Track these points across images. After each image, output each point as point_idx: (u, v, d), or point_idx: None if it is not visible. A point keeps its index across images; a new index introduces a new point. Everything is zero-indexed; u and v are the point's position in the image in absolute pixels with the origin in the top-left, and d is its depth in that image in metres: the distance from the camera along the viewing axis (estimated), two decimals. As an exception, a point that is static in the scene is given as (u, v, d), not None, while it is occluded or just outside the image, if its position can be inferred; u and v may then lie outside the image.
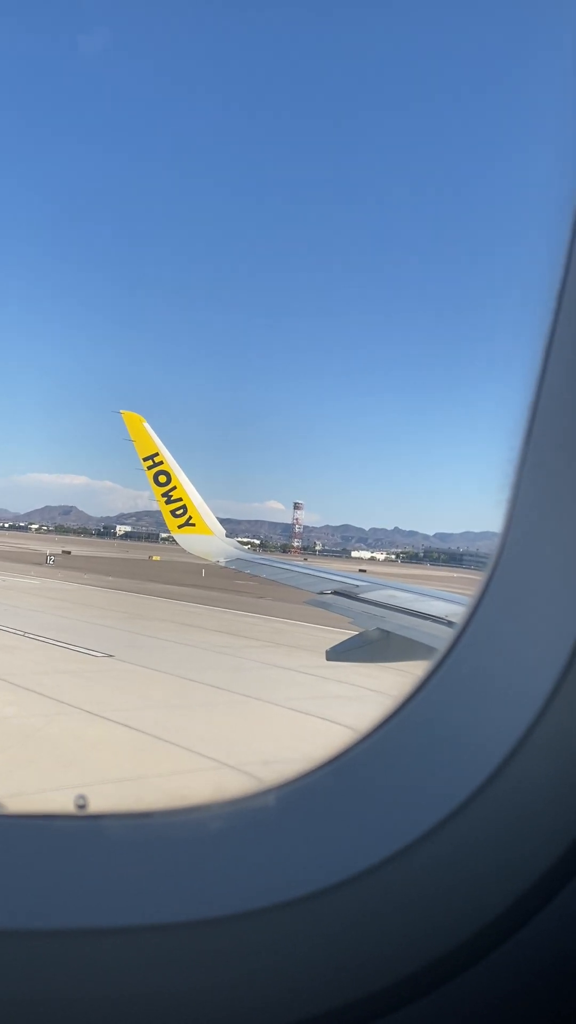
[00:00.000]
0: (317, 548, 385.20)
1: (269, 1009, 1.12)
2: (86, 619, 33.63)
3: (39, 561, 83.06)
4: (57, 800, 10.83)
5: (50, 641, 25.48)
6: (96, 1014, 1.09)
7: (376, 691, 21.59)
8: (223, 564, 13.29)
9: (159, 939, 1.11)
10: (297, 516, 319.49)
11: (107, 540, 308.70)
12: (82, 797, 1.45)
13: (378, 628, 8.01)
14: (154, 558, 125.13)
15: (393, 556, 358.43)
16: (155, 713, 16.88)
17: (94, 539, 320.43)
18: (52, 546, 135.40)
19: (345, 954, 1.13)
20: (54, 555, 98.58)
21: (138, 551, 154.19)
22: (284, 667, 24.49)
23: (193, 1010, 1.11)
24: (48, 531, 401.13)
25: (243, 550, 15.12)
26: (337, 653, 8.49)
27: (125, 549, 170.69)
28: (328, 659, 8.59)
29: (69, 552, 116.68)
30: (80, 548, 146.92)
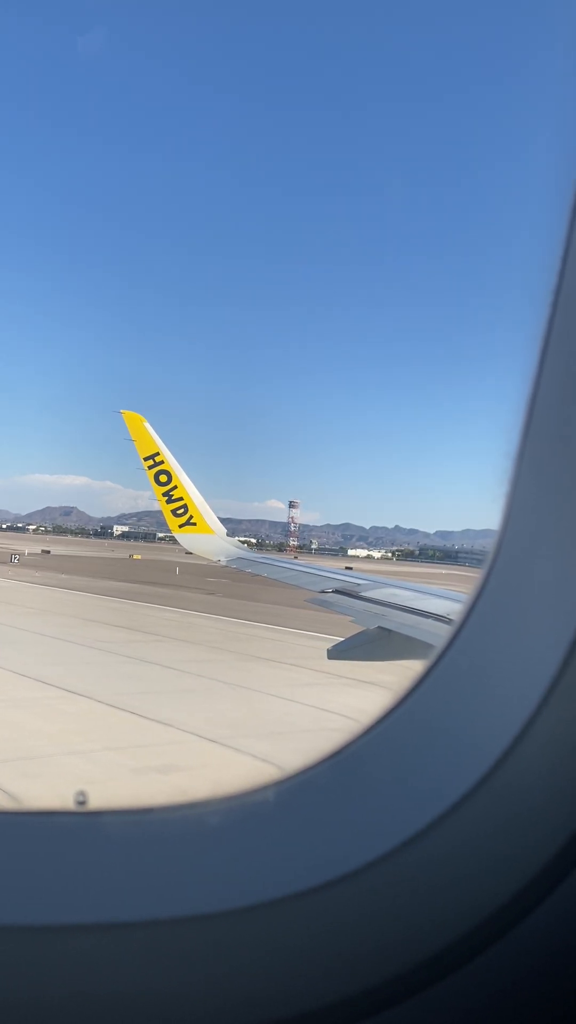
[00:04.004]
0: (313, 546, 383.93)
1: (269, 1004, 1.11)
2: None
3: (4, 560, 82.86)
4: None
5: None
6: (96, 1009, 1.08)
7: (230, 684, 21.03)
8: (224, 563, 13.20)
9: (158, 934, 1.11)
10: (293, 515, 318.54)
11: (103, 540, 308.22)
12: (82, 793, 1.43)
13: (379, 626, 7.96)
14: (135, 557, 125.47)
15: (389, 554, 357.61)
16: None
17: (90, 539, 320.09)
18: (38, 546, 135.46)
19: (344, 949, 1.13)
20: (32, 554, 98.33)
21: (125, 550, 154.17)
22: (151, 662, 23.85)
23: (193, 1005, 1.10)
24: (46, 531, 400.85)
25: (243, 549, 15.11)
26: (339, 652, 8.43)
27: (112, 548, 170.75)
28: (329, 658, 8.56)
29: (48, 551, 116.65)
30: (68, 548, 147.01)
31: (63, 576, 62.70)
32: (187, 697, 19.43)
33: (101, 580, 61.18)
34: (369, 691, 20.82)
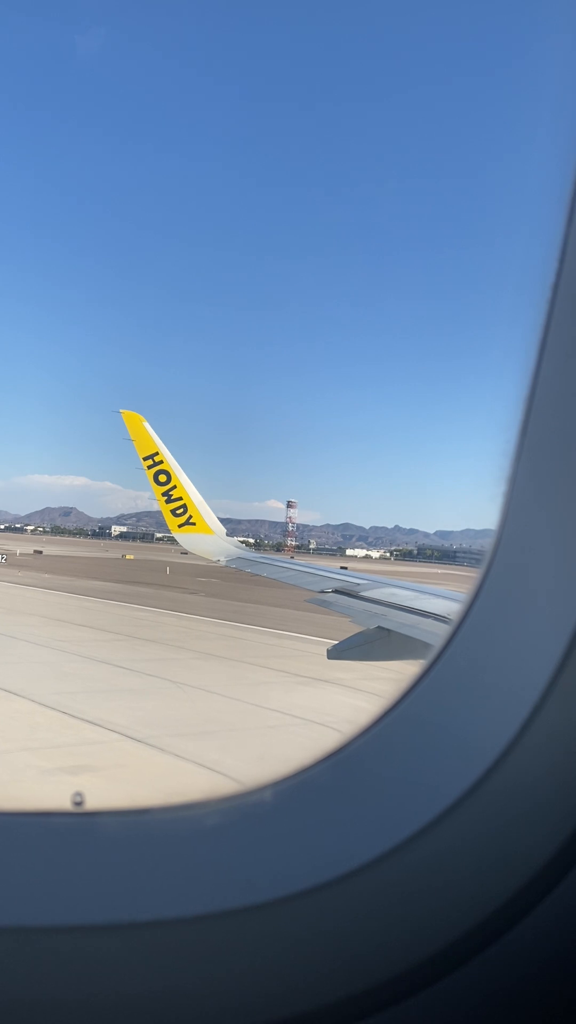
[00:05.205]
0: (312, 546, 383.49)
1: (268, 1004, 1.11)
2: None
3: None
4: None
5: None
6: (94, 1009, 1.08)
7: (178, 683, 20.73)
8: (223, 563, 13.13)
9: (157, 935, 1.10)
10: (291, 514, 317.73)
11: (101, 540, 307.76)
12: (79, 794, 1.42)
13: (378, 626, 7.95)
14: (128, 557, 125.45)
15: (388, 554, 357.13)
16: None
17: (88, 540, 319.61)
18: (33, 546, 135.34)
19: (344, 949, 1.12)
20: (24, 554, 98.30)
21: (120, 551, 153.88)
22: (103, 661, 23.48)
23: (191, 1005, 1.10)
24: (44, 532, 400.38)
25: (243, 549, 15.01)
26: (338, 651, 8.45)
27: (106, 549, 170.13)
28: (329, 658, 8.58)
29: (40, 552, 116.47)
30: (62, 548, 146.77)
31: (46, 576, 62.26)
32: (128, 696, 19.06)
33: (84, 580, 60.75)
34: (322, 689, 20.50)
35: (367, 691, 20.06)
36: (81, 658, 23.86)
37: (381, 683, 19.96)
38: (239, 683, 21.27)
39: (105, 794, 11.58)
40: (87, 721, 16.03)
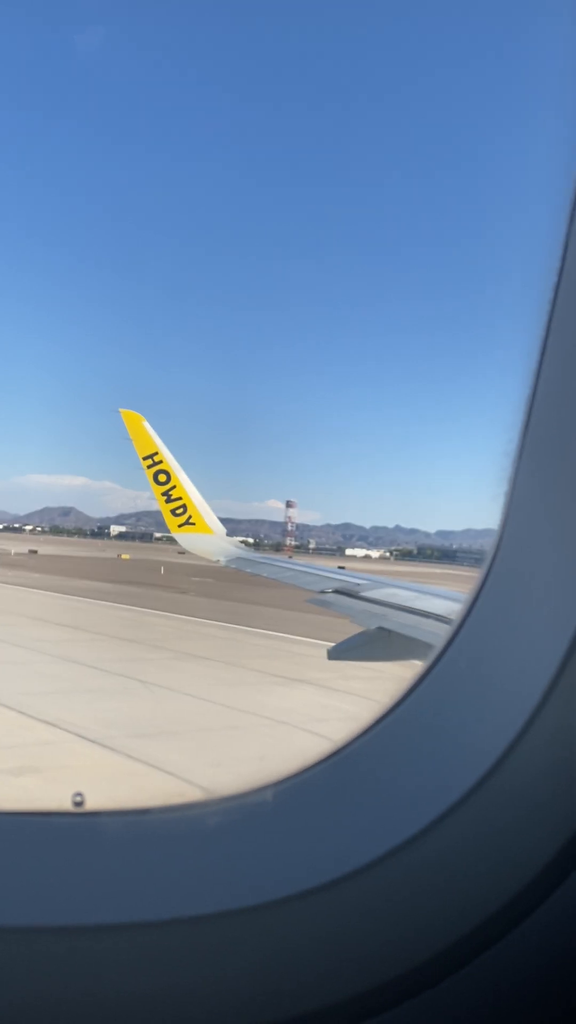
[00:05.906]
0: (311, 546, 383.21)
1: (268, 1005, 1.10)
2: None
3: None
4: None
5: None
6: (94, 1010, 1.07)
7: (148, 683, 20.59)
8: (223, 563, 13.14)
9: (157, 935, 1.10)
10: (290, 514, 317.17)
11: (99, 540, 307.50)
12: (79, 795, 1.40)
13: (379, 627, 7.95)
14: (123, 557, 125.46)
15: (388, 554, 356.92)
16: None
17: (87, 539, 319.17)
18: (29, 546, 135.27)
19: (343, 950, 1.12)
20: (19, 554, 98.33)
21: (117, 550, 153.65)
22: (76, 661, 23.17)
23: (192, 1006, 1.10)
24: (43, 532, 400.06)
25: (243, 549, 15.06)
26: (338, 652, 8.44)
27: (103, 549, 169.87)
28: (329, 658, 8.58)
29: (35, 551, 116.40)
30: (59, 548, 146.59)
31: (36, 576, 61.86)
32: (92, 696, 18.76)
33: (75, 580, 60.35)
34: (297, 689, 20.23)
35: (342, 690, 19.80)
36: (54, 658, 23.53)
37: (358, 682, 19.70)
38: (214, 683, 20.98)
39: (42, 794, 11.29)
40: (44, 722, 15.74)
